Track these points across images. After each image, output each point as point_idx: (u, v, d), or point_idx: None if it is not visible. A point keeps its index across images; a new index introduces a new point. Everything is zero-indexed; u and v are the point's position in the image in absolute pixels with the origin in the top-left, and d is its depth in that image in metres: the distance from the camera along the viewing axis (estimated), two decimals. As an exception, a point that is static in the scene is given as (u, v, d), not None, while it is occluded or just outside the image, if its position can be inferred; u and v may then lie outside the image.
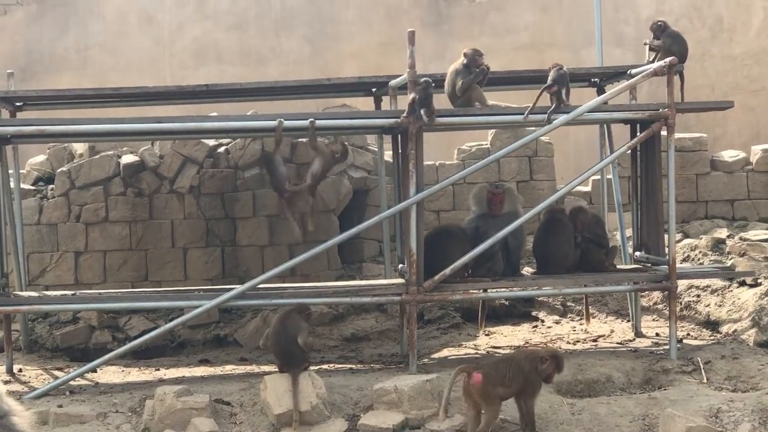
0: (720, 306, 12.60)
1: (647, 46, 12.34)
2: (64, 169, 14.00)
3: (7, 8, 20.69)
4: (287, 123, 10.88)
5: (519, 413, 8.79)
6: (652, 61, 11.85)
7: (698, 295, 13.07)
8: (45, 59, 20.50)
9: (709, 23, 20.31)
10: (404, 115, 10.45)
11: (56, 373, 11.38)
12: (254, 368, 11.32)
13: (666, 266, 11.00)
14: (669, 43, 11.99)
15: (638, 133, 11.48)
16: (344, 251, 14.64)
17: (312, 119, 10.75)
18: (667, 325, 11.15)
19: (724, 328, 12.13)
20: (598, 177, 13.57)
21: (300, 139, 13.99)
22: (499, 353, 11.34)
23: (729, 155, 16.25)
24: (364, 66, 18.76)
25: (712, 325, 12.47)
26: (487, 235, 10.89)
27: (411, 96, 10.42)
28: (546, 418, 8.91)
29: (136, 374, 11.35)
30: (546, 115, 10.67)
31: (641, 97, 14.36)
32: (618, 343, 11.99)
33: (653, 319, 13.25)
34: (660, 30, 12.11)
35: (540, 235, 11.82)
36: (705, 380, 10.14)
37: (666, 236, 11.20)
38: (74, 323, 13.21)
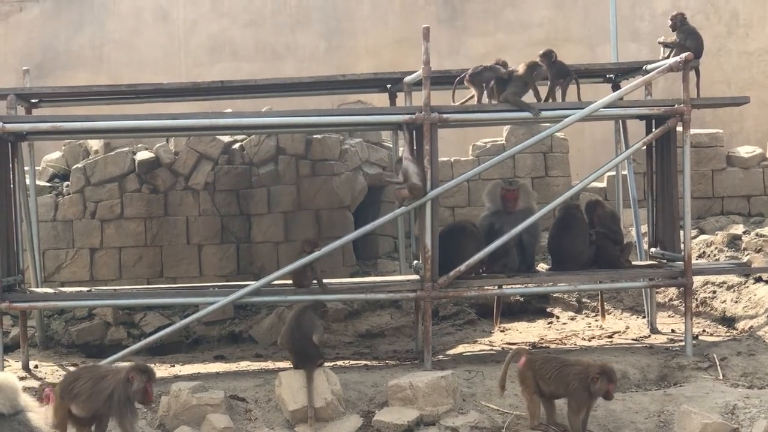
0: (736, 302, 12.56)
1: (662, 44, 12.28)
2: (79, 165, 14.04)
3: (23, 5, 20.77)
4: (303, 119, 10.94)
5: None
6: (668, 57, 11.81)
7: (714, 292, 13.03)
8: (60, 56, 20.57)
9: (725, 19, 20.24)
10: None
11: (71, 369, 11.40)
12: (269, 364, 11.33)
13: (681, 262, 10.96)
14: (684, 39, 11.94)
15: (654, 129, 11.44)
16: (359, 248, 14.64)
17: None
18: (683, 321, 11.11)
19: (740, 325, 12.09)
20: (614, 173, 13.54)
21: (315, 136, 14.01)
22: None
23: (745, 151, 16.20)
24: (379, 62, 18.78)
25: (728, 321, 12.44)
26: (501, 232, 10.88)
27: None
28: (561, 415, 8.90)
29: (151, 370, 11.36)
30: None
31: (657, 92, 14.31)
32: (633, 339, 11.96)
33: (669, 316, 13.21)
34: (679, 21, 12.06)
35: (555, 231, 11.79)
36: (721, 377, 10.11)
37: (681, 232, 11.16)
38: (90, 320, 13.25)
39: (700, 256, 13.69)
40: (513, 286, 11.42)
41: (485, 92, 10.93)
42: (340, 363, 11.16)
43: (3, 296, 10.53)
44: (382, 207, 14.87)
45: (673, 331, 12.24)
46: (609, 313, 13.31)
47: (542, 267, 12.07)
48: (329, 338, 12.32)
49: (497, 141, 15.95)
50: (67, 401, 8.14)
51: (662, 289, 13.22)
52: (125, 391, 8.04)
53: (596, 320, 13.16)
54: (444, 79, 11.43)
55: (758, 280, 12.61)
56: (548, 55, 11.34)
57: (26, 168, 12.34)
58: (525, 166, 15.72)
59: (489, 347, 12.02)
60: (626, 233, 12.81)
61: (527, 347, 11.25)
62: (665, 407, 9.17)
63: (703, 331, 12.22)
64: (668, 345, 11.40)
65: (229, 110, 12.88)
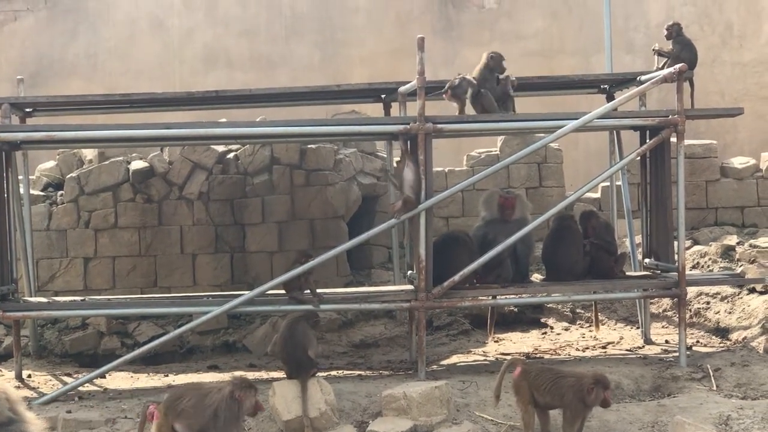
0: (730, 313, 12.57)
1: (656, 53, 12.32)
2: (73, 174, 14.03)
3: (17, 14, 20.75)
4: (297, 129, 10.94)
5: None
6: (662, 68, 11.84)
7: (708, 302, 13.04)
8: (55, 65, 20.55)
9: (719, 30, 20.27)
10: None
11: (65, 378, 11.39)
12: (263, 374, 11.32)
13: (675, 273, 10.97)
14: (679, 50, 11.97)
15: (648, 140, 11.47)
16: (353, 258, 14.63)
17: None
18: (677, 332, 11.11)
19: (734, 335, 12.10)
20: (608, 184, 13.54)
21: (310, 146, 14.01)
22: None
23: (739, 162, 16.22)
24: (374, 72, 18.77)
25: (722, 332, 12.44)
26: (495, 242, 10.88)
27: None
28: (555, 425, 8.89)
29: (144, 380, 11.35)
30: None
31: (651, 103, 14.34)
32: (627, 350, 11.96)
33: (663, 326, 13.21)
34: (675, 32, 12.08)
35: (549, 241, 11.79)
36: (714, 387, 10.10)
37: (675, 243, 11.17)
38: (83, 329, 13.23)
39: (694, 267, 13.70)
40: (507, 296, 11.43)
41: (466, 103, 11.02)
42: (334, 373, 11.16)
43: (-4, 306, 10.53)
44: (376, 217, 14.87)
45: (667, 341, 12.25)
46: (603, 324, 13.31)
47: (536, 277, 12.07)
48: (322, 348, 12.31)
49: (491, 151, 15.96)
50: (171, 418, 8.08)
51: (656, 299, 13.22)
52: (230, 408, 7.98)
53: (590, 331, 13.16)
54: (439, 89, 11.44)
55: (752, 290, 12.62)
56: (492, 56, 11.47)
57: (20, 177, 12.32)
58: (519, 177, 15.73)
59: (483, 357, 12.02)
60: (620, 244, 12.82)
61: (522, 358, 11.25)
62: (659, 418, 9.15)
63: (697, 341, 12.23)
64: (662, 356, 11.40)
65: (223, 120, 12.87)
